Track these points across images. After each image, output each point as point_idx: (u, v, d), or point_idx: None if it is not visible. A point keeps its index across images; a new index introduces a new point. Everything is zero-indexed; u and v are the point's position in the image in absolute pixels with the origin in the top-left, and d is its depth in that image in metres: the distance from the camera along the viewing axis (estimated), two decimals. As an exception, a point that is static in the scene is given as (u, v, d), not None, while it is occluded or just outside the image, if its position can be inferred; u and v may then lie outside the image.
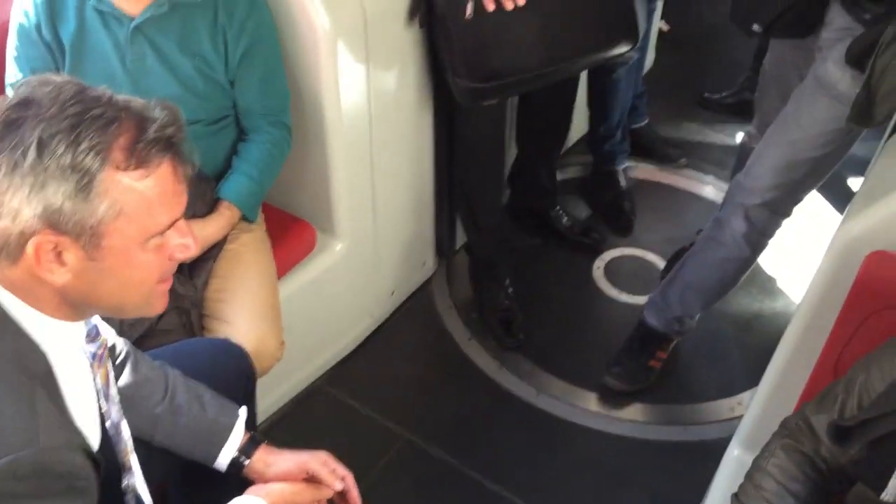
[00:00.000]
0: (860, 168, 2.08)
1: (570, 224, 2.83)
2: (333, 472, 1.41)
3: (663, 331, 2.37)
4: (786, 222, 2.12)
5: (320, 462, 1.42)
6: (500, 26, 1.99)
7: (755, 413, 1.82)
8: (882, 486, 1.15)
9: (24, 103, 0.97)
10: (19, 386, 0.98)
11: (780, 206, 2.07)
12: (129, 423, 1.38)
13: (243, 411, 1.47)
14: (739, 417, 1.97)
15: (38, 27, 1.73)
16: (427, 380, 2.44)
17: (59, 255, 0.99)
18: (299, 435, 2.13)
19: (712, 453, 1.95)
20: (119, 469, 1.34)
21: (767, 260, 2.72)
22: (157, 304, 1.12)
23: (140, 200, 1.00)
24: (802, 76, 1.97)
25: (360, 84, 2.06)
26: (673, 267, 2.46)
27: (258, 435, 1.47)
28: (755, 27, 1.98)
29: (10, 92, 1.04)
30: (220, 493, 1.36)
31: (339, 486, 1.41)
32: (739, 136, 2.58)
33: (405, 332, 2.55)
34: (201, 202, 1.82)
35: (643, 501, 2.13)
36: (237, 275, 1.83)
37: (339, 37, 1.93)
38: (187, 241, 1.09)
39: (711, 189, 3.07)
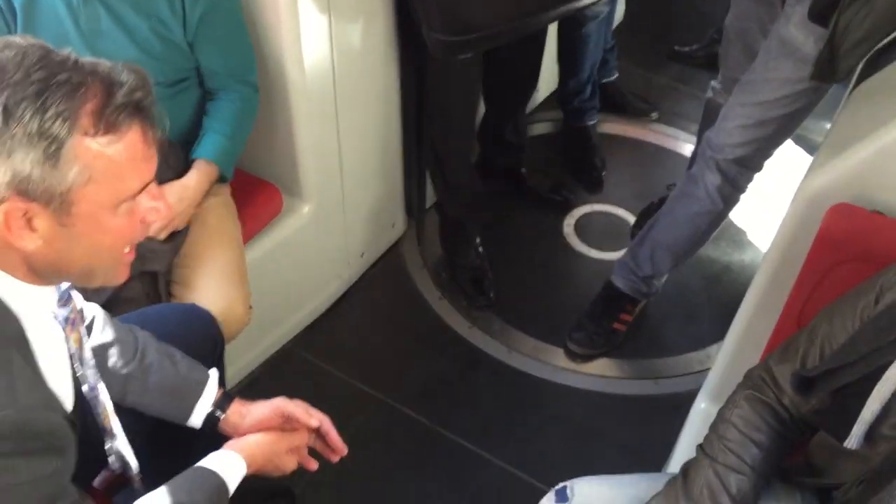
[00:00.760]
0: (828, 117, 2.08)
1: (541, 181, 2.82)
2: (309, 413, 1.43)
3: (629, 293, 2.38)
4: (756, 175, 2.13)
5: (295, 404, 1.43)
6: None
7: (722, 366, 1.84)
8: (845, 433, 1.16)
9: None
10: None
11: (750, 161, 2.08)
12: None
13: (214, 371, 1.47)
14: (708, 370, 1.99)
15: None
16: (398, 340, 2.44)
17: (29, 220, 0.98)
18: (270, 397, 2.12)
19: (683, 406, 1.97)
20: (97, 432, 1.34)
21: (737, 213, 2.73)
22: (121, 272, 1.13)
23: (110, 166, 0.99)
24: (766, 31, 1.96)
25: (323, 41, 2.02)
26: (643, 222, 2.47)
27: (230, 391, 1.48)
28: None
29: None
30: (193, 451, 1.36)
31: (314, 423, 1.43)
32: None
33: (376, 293, 2.55)
34: (164, 166, 1.79)
35: (614, 454, 2.15)
36: (202, 240, 1.81)
37: (300, -9, 1.89)
38: (158, 205, 1.08)
39: (682, 143, 3.07)
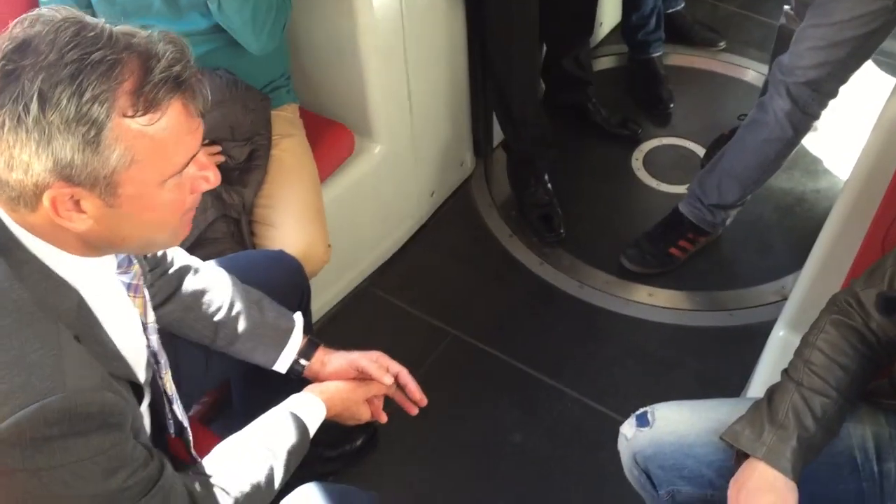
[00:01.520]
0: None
1: (608, 116, 2.80)
2: (384, 369, 1.45)
3: (692, 220, 2.36)
4: (831, 103, 2.08)
5: (370, 359, 1.46)
6: None
7: (800, 294, 1.82)
8: (932, 355, 1.16)
9: (21, 49, 0.91)
10: (45, 330, 0.98)
11: (823, 85, 2.03)
12: (190, 329, 1.43)
13: (299, 317, 1.50)
14: (784, 301, 1.98)
15: None
16: (470, 278, 2.47)
17: (77, 203, 0.96)
18: (348, 336, 2.17)
19: (758, 337, 1.97)
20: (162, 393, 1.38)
21: (812, 141, 2.68)
22: (182, 232, 1.10)
23: (152, 145, 0.95)
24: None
25: (392, -19, 2.02)
26: (713, 154, 2.43)
27: (315, 338, 1.51)
28: None
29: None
30: (277, 391, 1.41)
31: (387, 381, 1.45)
32: (779, 16, 2.51)
33: (447, 232, 2.57)
34: (243, 111, 1.81)
35: (690, 384, 2.16)
36: (282, 180, 1.85)
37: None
38: (207, 174, 1.05)
39: (751, 73, 3.00)
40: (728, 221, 2.39)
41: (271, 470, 1.25)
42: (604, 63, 3.05)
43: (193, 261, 1.46)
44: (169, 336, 1.37)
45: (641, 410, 1.43)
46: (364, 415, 1.46)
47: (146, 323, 1.21)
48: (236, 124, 1.80)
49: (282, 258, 1.67)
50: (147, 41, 0.96)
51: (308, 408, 1.37)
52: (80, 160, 0.92)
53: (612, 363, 2.23)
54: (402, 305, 2.37)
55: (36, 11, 0.95)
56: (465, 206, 2.64)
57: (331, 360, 1.48)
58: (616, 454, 1.46)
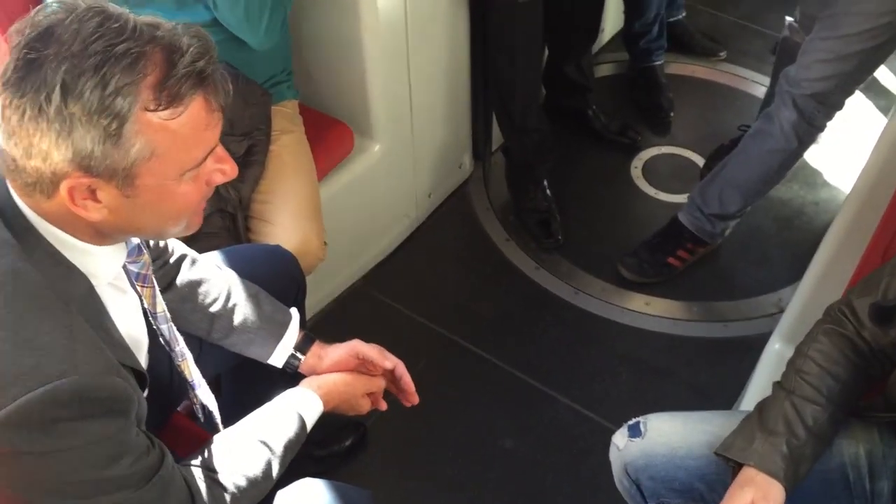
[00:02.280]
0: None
1: (608, 123, 2.79)
2: (384, 356, 1.45)
3: (691, 229, 2.35)
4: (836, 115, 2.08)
5: (370, 347, 1.46)
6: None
7: (797, 307, 1.82)
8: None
9: (44, 37, 0.91)
10: (58, 313, 0.98)
11: (829, 97, 2.03)
12: (186, 320, 1.41)
13: (295, 312, 1.49)
14: (780, 313, 1.97)
15: None
16: (465, 281, 2.46)
17: (93, 192, 0.96)
18: (341, 334, 2.15)
19: (753, 349, 1.96)
20: (170, 382, 1.38)
21: (812, 154, 2.67)
22: (195, 223, 1.11)
23: (173, 139, 0.96)
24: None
25: (396, -19, 2.01)
26: (712, 164, 2.43)
27: (311, 333, 1.50)
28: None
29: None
30: (268, 388, 1.40)
31: (389, 364, 1.45)
32: (781, 28, 2.50)
33: (443, 233, 2.56)
34: (243, 104, 1.79)
35: (683, 394, 2.15)
36: (279, 177, 1.83)
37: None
38: (224, 167, 1.06)
39: (751, 83, 3.00)
40: (727, 232, 2.38)
41: (269, 463, 1.25)
42: (605, 69, 3.04)
43: (191, 252, 1.45)
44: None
45: (634, 421, 1.42)
46: (364, 407, 1.46)
47: (155, 312, 1.22)
48: (235, 118, 1.78)
49: (278, 252, 1.66)
50: (171, 34, 0.95)
51: (306, 401, 1.36)
52: (101, 152, 0.92)
53: (606, 371, 2.22)
54: (396, 306, 2.36)
55: (59, 2, 0.94)
56: (462, 209, 2.63)
57: (328, 353, 1.47)
58: (606, 462, 1.45)
